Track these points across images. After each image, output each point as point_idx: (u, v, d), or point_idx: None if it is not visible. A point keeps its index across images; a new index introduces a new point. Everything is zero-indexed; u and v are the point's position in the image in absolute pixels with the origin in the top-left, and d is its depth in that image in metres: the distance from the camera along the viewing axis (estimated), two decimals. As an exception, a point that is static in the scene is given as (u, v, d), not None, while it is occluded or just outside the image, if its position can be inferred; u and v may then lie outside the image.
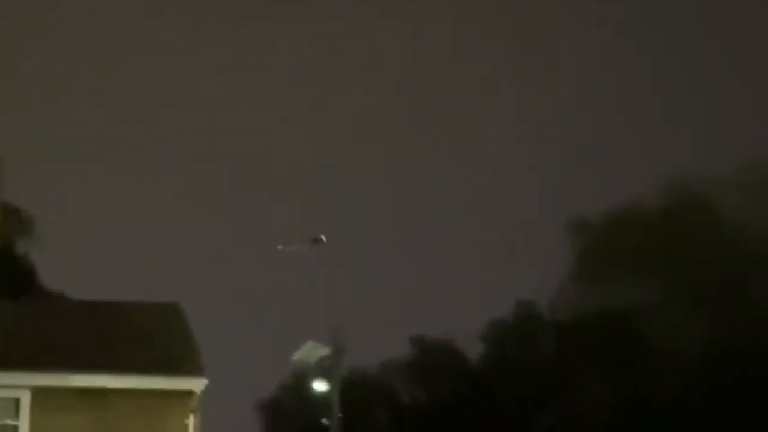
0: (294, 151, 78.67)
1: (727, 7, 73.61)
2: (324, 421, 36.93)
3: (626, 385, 48.46)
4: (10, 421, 25.94)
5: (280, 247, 37.10)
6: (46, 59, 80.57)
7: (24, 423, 25.92)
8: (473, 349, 58.14)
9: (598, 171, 67.06)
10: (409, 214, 73.39)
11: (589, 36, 79.20)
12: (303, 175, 75.60)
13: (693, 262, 48.88)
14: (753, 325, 46.15)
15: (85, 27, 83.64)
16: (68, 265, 55.07)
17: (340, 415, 35.83)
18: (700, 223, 49.32)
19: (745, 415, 45.37)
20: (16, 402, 25.99)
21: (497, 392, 54.33)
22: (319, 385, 36.81)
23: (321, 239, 36.25)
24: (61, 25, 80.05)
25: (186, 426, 26.14)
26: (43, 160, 66.00)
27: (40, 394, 25.95)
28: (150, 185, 76.90)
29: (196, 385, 26.46)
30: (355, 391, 49.61)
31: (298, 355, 35.44)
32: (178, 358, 26.84)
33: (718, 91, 69.34)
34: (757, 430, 44.81)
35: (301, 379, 42.97)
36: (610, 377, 48.97)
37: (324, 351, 35.24)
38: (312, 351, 35.04)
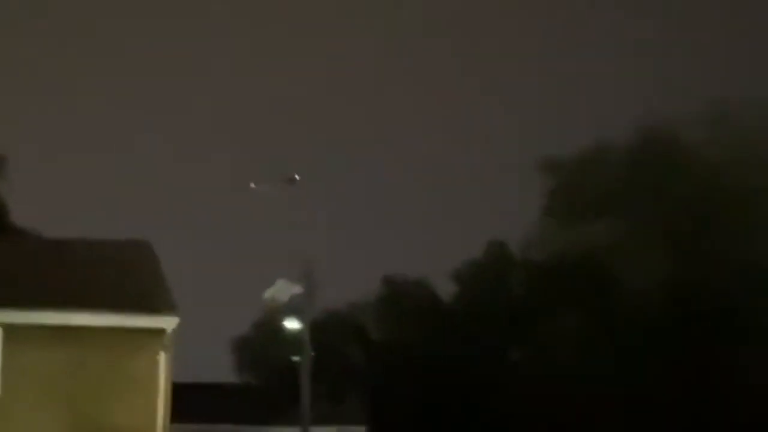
0: (271, 91, 78.31)
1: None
2: (295, 358, 37.14)
3: (596, 321, 48.86)
4: (-19, 358, 25.89)
5: (252, 185, 37.07)
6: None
7: (-5, 360, 25.90)
8: (446, 289, 58.52)
9: (568, 112, 67.15)
10: (382, 155, 73.38)
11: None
12: (278, 114, 75.37)
13: (662, 201, 49.18)
14: (719, 260, 46.59)
15: None
16: (39, 202, 54.89)
17: (312, 353, 36.03)
18: (669, 162, 49.53)
19: (710, 347, 45.97)
20: (-12, 339, 25.94)
21: (468, 330, 54.66)
22: (291, 323, 37.03)
23: (294, 178, 36.24)
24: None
25: (157, 362, 26.17)
26: (12, 94, 65.52)
27: (11, 331, 25.91)
28: (122, 121, 76.57)
29: (168, 322, 26.48)
30: (326, 329, 49.88)
31: (269, 293, 35.59)
32: (149, 296, 26.84)
33: (686, 31, 69.35)
34: (720, 361, 45.49)
35: (273, 317, 43.07)
36: (580, 314, 49.34)
37: (296, 289, 35.41)
38: (284, 289, 35.19)
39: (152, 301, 26.66)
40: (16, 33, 74.81)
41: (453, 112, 75.18)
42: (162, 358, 26.38)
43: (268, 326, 50.19)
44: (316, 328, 38.17)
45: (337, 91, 74.06)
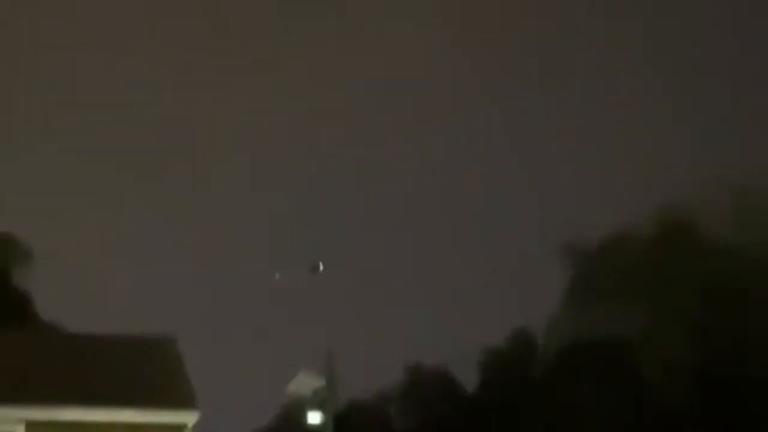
0: (290, 178, 78.62)
1: (717, 39, 73.90)
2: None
3: (619, 410, 48.50)
4: (4, 455, 25.96)
5: (276, 275, 37.13)
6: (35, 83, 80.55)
7: (18, 457, 25.96)
8: (468, 376, 58.15)
9: (591, 198, 67.13)
10: (404, 242, 73.35)
11: (584, 63, 79.39)
12: (298, 204, 75.57)
13: (683, 289, 49.01)
14: (741, 351, 46.28)
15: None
16: (64, 295, 55.01)
17: (334, 446, 35.80)
18: (691, 250, 49.46)
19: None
20: (11, 436, 26.03)
21: (491, 418, 54.27)
22: (314, 417, 36.82)
23: (318, 267, 36.27)
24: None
25: (179, 459, 26.18)
26: (39, 191, 66.10)
27: (33, 427, 25.98)
28: (146, 215, 76.91)
29: (189, 418, 26.51)
30: (349, 420, 49.59)
31: (292, 387, 35.44)
32: (170, 392, 26.90)
33: (710, 120, 69.50)
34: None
35: (295, 411, 42.86)
36: (602, 402, 48.98)
37: (318, 382, 35.24)
38: (306, 382, 35.04)
39: (173, 397, 26.72)
40: (39, 129, 75.59)
41: (475, 197, 75.24)
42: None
43: (291, 420, 49.94)
44: (340, 420, 37.97)
45: (362, 174, 74.35)
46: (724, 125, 67.44)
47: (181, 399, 26.73)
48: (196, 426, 26.80)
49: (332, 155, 75.36)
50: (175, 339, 29.92)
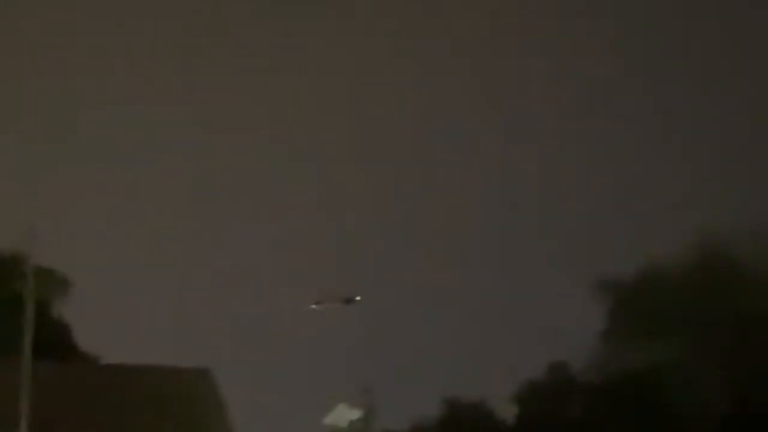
0: (324, 209, 78.54)
1: (755, 66, 73.40)
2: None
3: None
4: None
5: (313, 306, 37.06)
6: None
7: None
8: (506, 410, 57.81)
9: (627, 229, 66.72)
10: (442, 276, 73.04)
11: (612, 91, 79.03)
12: (332, 234, 75.40)
13: (721, 322, 48.60)
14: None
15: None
16: (102, 326, 55.08)
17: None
18: (728, 282, 49.06)
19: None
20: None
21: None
22: (350, 449, 36.73)
23: (355, 299, 36.20)
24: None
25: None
26: (77, 221, 66.22)
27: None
28: (184, 247, 76.94)
29: (226, 449, 26.44)
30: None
31: (330, 419, 35.40)
32: (206, 424, 26.84)
33: (746, 148, 68.95)
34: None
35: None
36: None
37: (356, 414, 35.21)
38: (343, 414, 35.00)
39: (209, 429, 26.64)
40: (72, 156, 75.86)
41: (512, 229, 74.98)
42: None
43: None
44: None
45: (403, 207, 74.24)
46: (761, 154, 66.91)
47: (218, 431, 26.67)
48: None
49: (372, 187, 75.36)
50: (209, 370, 29.90)
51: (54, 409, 26.67)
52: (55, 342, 47.96)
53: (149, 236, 76.67)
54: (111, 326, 56.95)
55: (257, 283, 73.95)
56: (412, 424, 57.52)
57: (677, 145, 73.93)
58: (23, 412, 23.42)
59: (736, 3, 73.72)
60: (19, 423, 23.56)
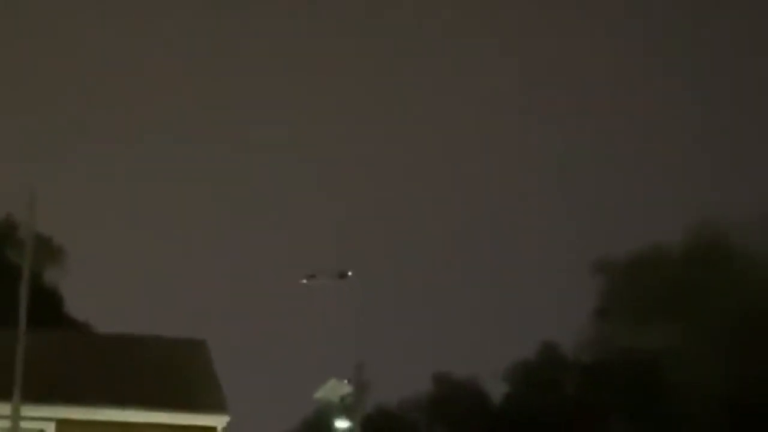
0: (321, 184, 78.91)
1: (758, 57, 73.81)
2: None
3: (649, 428, 48.27)
4: (34, 453, 26.17)
5: (304, 280, 37.23)
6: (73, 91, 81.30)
7: (48, 455, 26.17)
8: (496, 389, 58.14)
9: (622, 212, 67.09)
10: (435, 252, 73.44)
11: (615, 76, 79.49)
12: (329, 210, 75.74)
13: (716, 304, 48.68)
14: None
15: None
16: (96, 296, 55.41)
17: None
18: (724, 264, 49.12)
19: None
20: (41, 433, 26.27)
21: (518, 431, 54.27)
22: (342, 423, 36.96)
23: (347, 274, 36.36)
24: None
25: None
26: (74, 192, 66.55)
27: (64, 426, 26.20)
28: (180, 218, 77.27)
29: (219, 421, 26.72)
30: (377, 428, 49.65)
31: (320, 393, 35.59)
32: (201, 395, 27.09)
33: (744, 136, 69.37)
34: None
35: (323, 417, 43.00)
36: (633, 419, 48.78)
37: (346, 389, 35.40)
38: (334, 389, 35.19)
39: (203, 400, 26.89)
40: (73, 128, 76.16)
41: (508, 210, 75.34)
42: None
43: (319, 425, 50.07)
44: (367, 427, 38.08)
45: (399, 186, 74.60)
46: (760, 142, 67.27)
47: (211, 402, 26.92)
48: (225, 429, 26.93)
49: (372, 164, 75.67)
50: (205, 341, 30.09)
51: (48, 378, 26.83)
52: (50, 311, 48.20)
53: (147, 208, 77.01)
54: (106, 297, 57.30)
55: (252, 257, 74.48)
56: (404, 399, 57.92)
57: (678, 131, 74.31)
58: (17, 381, 23.61)
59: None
60: (12, 391, 23.75)
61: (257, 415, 46.12)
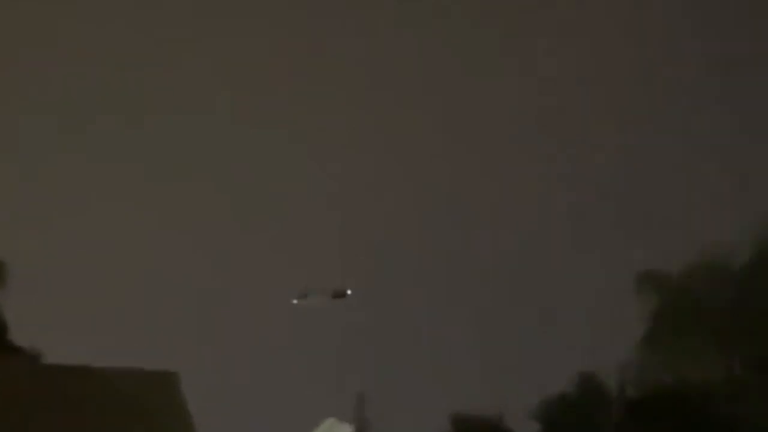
0: (314, 195, 78.69)
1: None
2: None
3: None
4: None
5: (295, 301, 37.06)
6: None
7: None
8: (526, 428, 58.12)
9: (673, 225, 66.90)
10: (448, 268, 73.09)
11: (665, 79, 79.69)
12: (323, 221, 75.49)
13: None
14: None
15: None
16: (47, 320, 55.08)
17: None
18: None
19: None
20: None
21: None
22: (339, 470, 36.72)
23: (346, 293, 36.14)
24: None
25: None
26: (17, 203, 66.33)
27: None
28: (149, 229, 76.98)
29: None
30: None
31: (316, 435, 35.34)
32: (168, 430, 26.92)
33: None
34: None
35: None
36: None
37: (346, 430, 35.16)
38: (333, 430, 34.96)
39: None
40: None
41: (532, 215, 75.21)
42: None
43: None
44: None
45: (402, 200, 74.46)
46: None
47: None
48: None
49: (379, 175, 75.63)
50: (176, 374, 30.01)
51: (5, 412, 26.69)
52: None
53: (103, 222, 76.74)
54: (58, 321, 56.99)
55: (231, 275, 74.06)
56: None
57: (729, 141, 74.25)
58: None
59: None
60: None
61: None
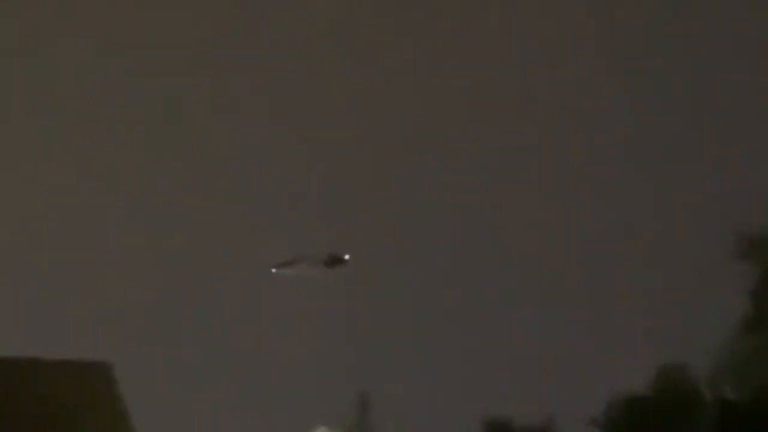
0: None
1: None
2: None
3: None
4: None
5: (274, 269, 38.24)
6: None
7: None
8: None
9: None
10: (482, 231, 74.18)
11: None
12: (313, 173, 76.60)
13: None
14: None
15: None
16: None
17: None
18: None
19: None
20: None
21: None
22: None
23: (342, 259, 37.27)
24: None
25: None
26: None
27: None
28: (84, 187, 78.38)
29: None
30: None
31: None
32: (101, 425, 28.28)
33: None
34: None
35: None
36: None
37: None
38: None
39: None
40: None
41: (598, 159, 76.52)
42: None
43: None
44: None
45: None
46: None
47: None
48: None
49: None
50: (109, 365, 31.27)
51: None
52: None
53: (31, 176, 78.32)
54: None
55: (199, 242, 75.24)
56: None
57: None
58: None
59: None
60: None
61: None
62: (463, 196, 75.65)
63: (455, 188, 76.82)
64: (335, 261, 37.24)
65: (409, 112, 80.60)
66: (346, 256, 37.32)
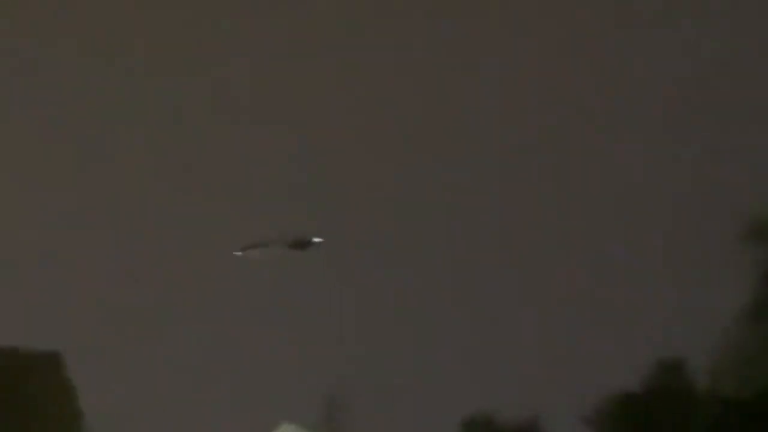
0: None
1: None
2: None
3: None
4: None
5: (238, 252, 38.50)
6: None
7: None
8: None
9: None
10: (466, 214, 74.73)
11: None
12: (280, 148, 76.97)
13: None
14: None
15: None
16: None
17: None
18: None
19: None
20: None
21: None
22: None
23: (311, 242, 37.52)
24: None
25: None
26: None
27: None
28: (37, 172, 78.88)
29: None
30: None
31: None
32: (54, 426, 28.72)
33: None
34: None
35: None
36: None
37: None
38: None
39: (54, 422, 28.66)
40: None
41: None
42: None
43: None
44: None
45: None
46: None
47: (64, 425, 28.59)
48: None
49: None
50: (58, 354, 31.74)
51: None
52: None
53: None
54: None
55: (149, 217, 75.71)
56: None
57: None
58: None
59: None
60: None
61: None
62: (455, 192, 76.26)
63: (445, 184, 77.45)
64: (302, 244, 37.28)
65: (409, 111, 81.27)
66: (315, 239, 37.37)
